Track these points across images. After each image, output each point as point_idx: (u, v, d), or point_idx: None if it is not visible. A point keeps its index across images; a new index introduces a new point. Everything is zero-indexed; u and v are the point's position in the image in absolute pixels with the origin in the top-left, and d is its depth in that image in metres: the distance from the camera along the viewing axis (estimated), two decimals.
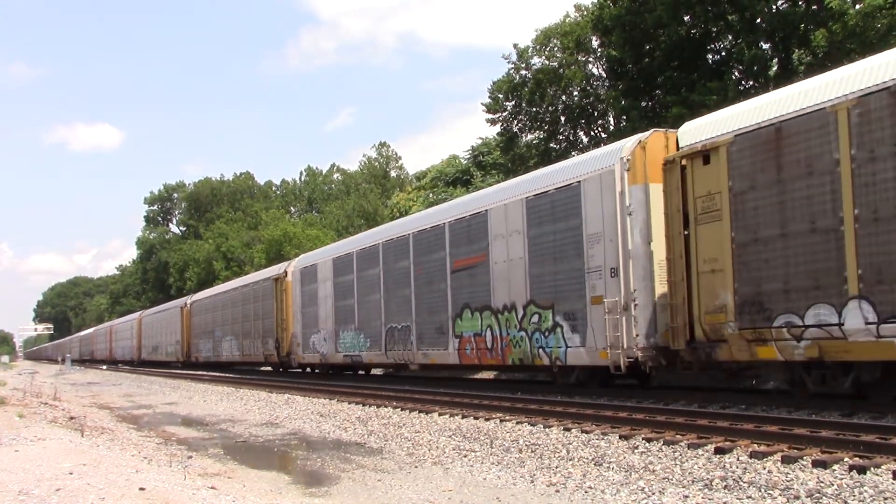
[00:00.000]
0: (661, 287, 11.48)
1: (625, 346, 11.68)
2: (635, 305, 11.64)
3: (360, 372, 24.46)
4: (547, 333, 13.37)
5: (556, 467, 7.58)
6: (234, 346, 31.18)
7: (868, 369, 9.10)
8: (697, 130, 10.87)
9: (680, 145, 11.18)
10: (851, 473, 6.36)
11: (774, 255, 9.45)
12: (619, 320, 11.75)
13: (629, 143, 12.13)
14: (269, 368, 28.41)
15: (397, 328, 18.61)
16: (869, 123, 8.39)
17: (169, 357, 42.65)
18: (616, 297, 11.84)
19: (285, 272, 26.50)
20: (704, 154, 10.44)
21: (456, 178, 37.31)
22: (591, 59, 27.55)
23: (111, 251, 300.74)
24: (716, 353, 10.35)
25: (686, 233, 10.71)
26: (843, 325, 8.71)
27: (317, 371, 26.04)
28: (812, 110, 9.05)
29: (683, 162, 10.79)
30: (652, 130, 12.23)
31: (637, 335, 11.59)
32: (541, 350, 13.56)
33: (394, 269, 18.74)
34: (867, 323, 8.47)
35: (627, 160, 11.86)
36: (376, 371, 24.96)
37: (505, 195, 14.92)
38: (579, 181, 12.78)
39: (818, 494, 5.81)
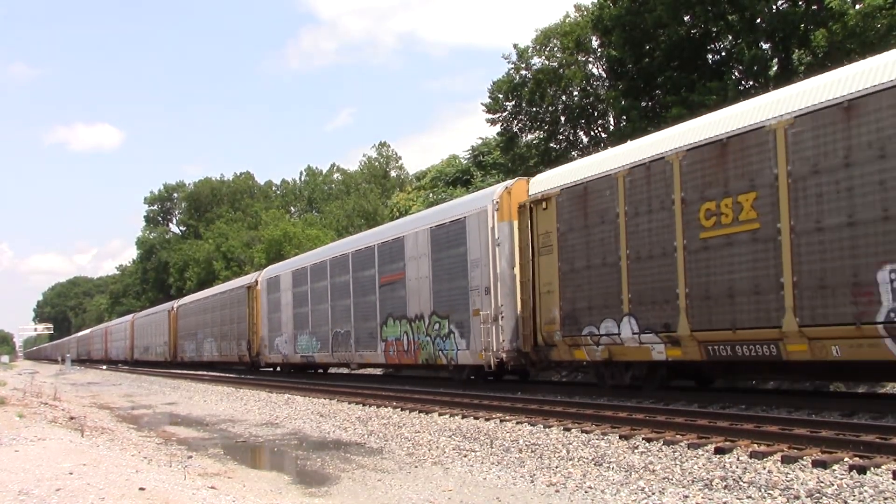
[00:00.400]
0: (520, 303, 14.33)
1: (494, 349, 14.51)
2: (502, 317, 14.49)
3: (318, 371, 27.24)
4: (444, 339, 16.26)
5: (556, 467, 7.58)
6: (213, 346, 33.75)
7: (638, 367, 12.29)
8: (541, 182, 13.98)
9: (530, 193, 14.08)
10: (851, 473, 6.36)
11: (582, 282, 12.66)
12: (491, 329, 14.57)
13: (499, 188, 15.14)
14: (243, 367, 31.05)
15: (341, 333, 21.52)
16: (633, 188, 11.65)
17: (158, 357, 44.80)
18: (489, 310, 14.68)
19: (256, 281, 29.11)
20: (543, 201, 13.53)
21: (456, 178, 37.32)
22: (591, 59, 27.55)
23: (111, 251, 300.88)
24: (550, 354, 13.57)
25: (533, 261, 13.70)
26: (620, 334, 11.83)
27: (278, 369, 28.50)
28: (603, 175, 12.27)
29: (531, 206, 13.81)
30: (516, 179, 15.33)
31: (503, 340, 14.48)
32: (440, 352, 16.38)
33: (339, 282, 21.61)
34: (633, 333, 11.59)
35: (497, 202, 14.74)
36: (337, 370, 27.08)
37: (417, 224, 17.81)
38: (465, 217, 15.61)
39: (818, 494, 5.81)
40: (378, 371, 25.68)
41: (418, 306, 17.24)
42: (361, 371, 25.83)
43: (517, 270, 14.33)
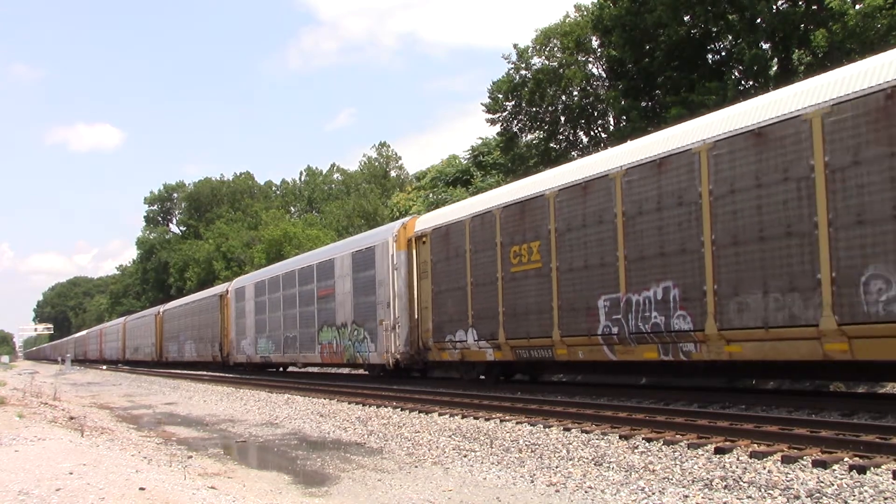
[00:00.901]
0: (411, 316, 17.97)
1: (392, 351, 18.30)
2: (398, 326, 18.17)
3: (276, 369, 31.35)
4: (361, 342, 20.00)
5: (556, 467, 7.58)
6: (192, 348, 37.87)
7: (480, 366, 16.39)
8: (422, 222, 17.81)
9: (416, 230, 17.80)
10: (851, 473, 6.36)
11: (446, 301, 16.38)
12: (390, 335, 18.29)
13: (397, 224, 18.91)
14: (216, 365, 34.56)
15: (290, 337, 25.40)
16: (474, 232, 15.40)
17: (146, 357, 48.09)
18: (389, 320, 18.39)
19: (227, 290, 33.18)
20: (423, 237, 17.38)
21: (456, 178, 37.35)
22: (591, 59, 27.56)
23: (111, 251, 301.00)
24: (428, 355, 17.40)
25: (417, 283, 17.57)
26: (467, 341, 15.62)
27: (243, 366, 31.95)
28: (457, 221, 16.06)
29: (416, 240, 17.72)
30: (410, 216, 19.68)
31: (399, 344, 18.20)
32: (358, 353, 20.18)
33: (288, 294, 25.54)
34: (474, 340, 15.35)
35: (395, 235, 18.44)
36: (303, 368, 30.30)
37: (344, 249, 21.86)
38: (374, 245, 19.46)
39: (818, 494, 5.81)
40: (378, 372, 25.74)
41: (344, 316, 21.04)
42: (361, 371, 26.20)
43: (412, 289, 17.90)
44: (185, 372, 36.11)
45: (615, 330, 11.82)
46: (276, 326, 26.37)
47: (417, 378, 20.09)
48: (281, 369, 31.39)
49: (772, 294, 9.51)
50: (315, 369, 30.11)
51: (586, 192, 12.51)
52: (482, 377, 16.70)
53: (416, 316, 17.62)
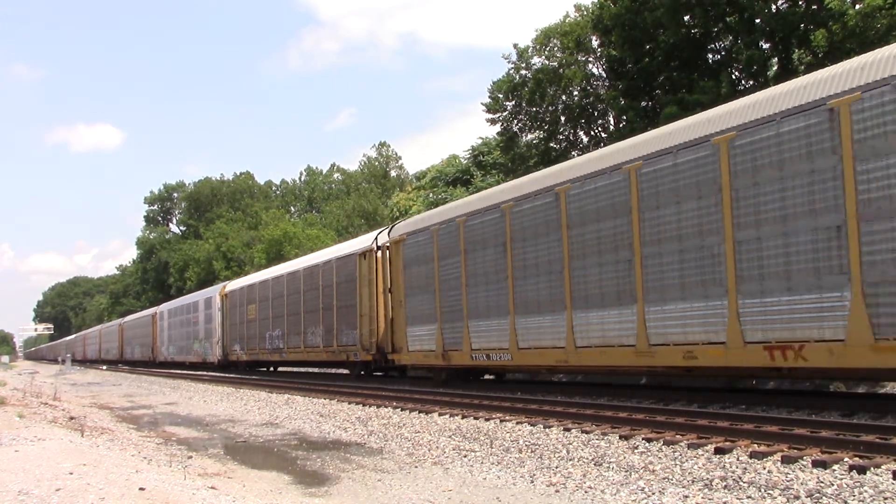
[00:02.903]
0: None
1: (215, 353, 28.04)
2: (214, 341, 23.65)
3: (267, 368, 33.53)
4: (205, 349, 31.97)
5: (556, 467, 7.58)
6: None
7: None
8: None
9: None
10: (851, 473, 6.36)
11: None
12: (216, 345, 25.27)
13: (219, 287, 30.40)
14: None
15: (181, 344, 40.02)
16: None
17: (143, 357, 51.09)
18: (211, 338, 28.34)
19: (156, 312, 46.66)
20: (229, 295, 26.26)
21: (456, 178, 37.35)
22: (591, 59, 27.56)
23: (111, 251, 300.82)
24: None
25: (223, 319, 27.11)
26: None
27: (164, 363, 42.98)
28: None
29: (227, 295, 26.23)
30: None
31: (218, 350, 30.62)
32: (206, 354, 31.28)
33: (179, 319, 37.28)
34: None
35: (220, 292, 28.05)
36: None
37: (199, 297, 31.42)
38: (203, 300, 31.47)
39: (818, 494, 5.81)
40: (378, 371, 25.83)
41: (200, 334, 33.71)
42: (361, 371, 26.51)
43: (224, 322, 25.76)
44: (186, 372, 36.28)
45: None
46: (178, 338, 40.98)
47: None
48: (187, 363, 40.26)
49: None
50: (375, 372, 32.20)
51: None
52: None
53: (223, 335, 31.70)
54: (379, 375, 21.89)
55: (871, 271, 8.30)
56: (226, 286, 34.07)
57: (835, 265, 8.65)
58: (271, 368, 32.16)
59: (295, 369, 31.24)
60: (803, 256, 9.00)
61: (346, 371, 24.94)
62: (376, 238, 20.19)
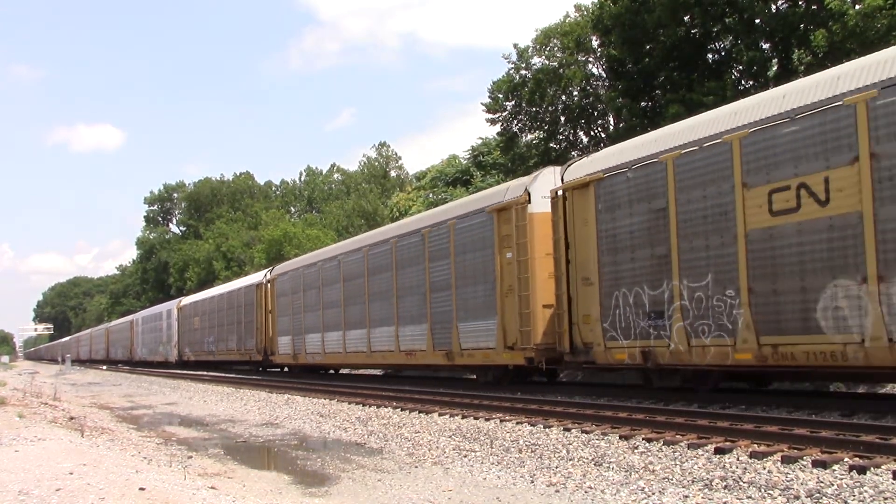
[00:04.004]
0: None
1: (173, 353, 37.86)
2: (172, 343, 35.59)
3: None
4: (164, 348, 42.66)
5: (556, 467, 7.58)
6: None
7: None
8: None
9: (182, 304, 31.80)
10: (851, 473, 6.36)
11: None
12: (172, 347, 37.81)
13: (176, 302, 40.70)
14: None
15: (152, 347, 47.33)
16: (272, 287, 26.69)
17: (124, 357, 58.43)
18: (170, 342, 42.84)
19: (133, 320, 54.92)
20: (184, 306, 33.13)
21: (456, 178, 37.31)
22: (590, 59, 27.53)
23: (111, 251, 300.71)
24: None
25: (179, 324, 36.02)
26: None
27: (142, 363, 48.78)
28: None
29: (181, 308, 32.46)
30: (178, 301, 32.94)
31: (174, 350, 39.77)
32: (167, 353, 37.59)
33: (152, 325, 40.05)
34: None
35: (178, 306, 38.87)
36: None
37: (169, 306, 38.40)
38: (165, 311, 40.17)
39: (818, 494, 5.81)
40: (377, 371, 26.01)
41: (164, 339, 38.36)
42: (361, 371, 26.81)
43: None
44: (186, 372, 36.44)
45: None
46: (148, 341, 48.85)
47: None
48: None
49: None
50: (375, 372, 33.18)
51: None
52: None
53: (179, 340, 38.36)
54: (274, 371, 30.33)
55: None
56: (181, 301, 43.07)
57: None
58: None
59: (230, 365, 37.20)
60: None
61: (248, 367, 32.99)
62: (266, 274, 28.83)
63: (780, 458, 7.02)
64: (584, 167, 12.86)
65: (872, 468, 6.39)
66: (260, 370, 30.73)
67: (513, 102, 28.29)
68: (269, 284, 27.82)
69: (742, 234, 9.72)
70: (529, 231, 13.74)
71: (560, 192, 13.06)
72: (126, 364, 55.56)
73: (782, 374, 11.38)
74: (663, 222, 10.86)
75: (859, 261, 8.48)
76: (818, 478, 6.30)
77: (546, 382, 16.26)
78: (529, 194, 13.95)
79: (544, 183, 13.89)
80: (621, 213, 11.69)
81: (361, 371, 27.35)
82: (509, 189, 14.77)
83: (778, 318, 9.31)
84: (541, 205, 13.78)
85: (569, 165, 13.50)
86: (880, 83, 8.39)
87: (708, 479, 6.56)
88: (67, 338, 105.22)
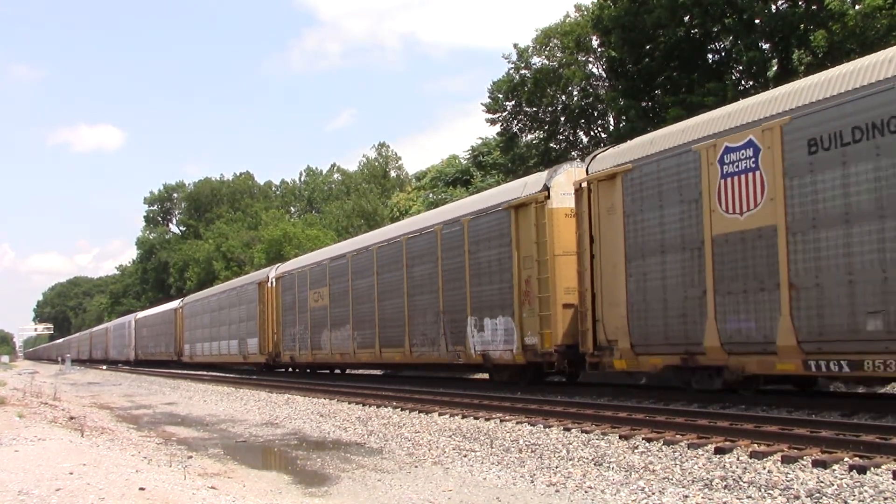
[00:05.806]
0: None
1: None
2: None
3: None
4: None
5: (556, 467, 7.58)
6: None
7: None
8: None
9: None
10: (851, 473, 6.36)
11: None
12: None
13: (175, 304, 43.16)
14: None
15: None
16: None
17: (102, 357, 62.74)
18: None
19: (132, 320, 54.83)
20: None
21: (456, 178, 37.31)
22: (591, 59, 27.52)
23: (111, 251, 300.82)
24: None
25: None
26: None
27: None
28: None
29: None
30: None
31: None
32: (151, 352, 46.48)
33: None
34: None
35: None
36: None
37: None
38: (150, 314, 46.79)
39: (818, 494, 5.81)
40: (377, 371, 26.05)
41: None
42: (362, 371, 26.91)
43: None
44: (186, 372, 36.45)
45: None
46: (118, 345, 55.42)
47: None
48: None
49: None
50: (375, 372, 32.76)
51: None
52: None
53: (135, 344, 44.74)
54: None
55: None
56: (136, 315, 53.12)
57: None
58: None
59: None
60: None
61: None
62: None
63: (780, 458, 7.02)
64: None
65: (872, 468, 6.39)
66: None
67: (513, 102, 28.30)
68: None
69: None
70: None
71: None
72: (104, 363, 58.98)
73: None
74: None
75: None
76: (818, 477, 6.30)
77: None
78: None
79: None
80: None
81: (361, 371, 27.27)
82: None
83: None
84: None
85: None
86: None
87: (708, 478, 6.56)
88: (61, 339, 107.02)
